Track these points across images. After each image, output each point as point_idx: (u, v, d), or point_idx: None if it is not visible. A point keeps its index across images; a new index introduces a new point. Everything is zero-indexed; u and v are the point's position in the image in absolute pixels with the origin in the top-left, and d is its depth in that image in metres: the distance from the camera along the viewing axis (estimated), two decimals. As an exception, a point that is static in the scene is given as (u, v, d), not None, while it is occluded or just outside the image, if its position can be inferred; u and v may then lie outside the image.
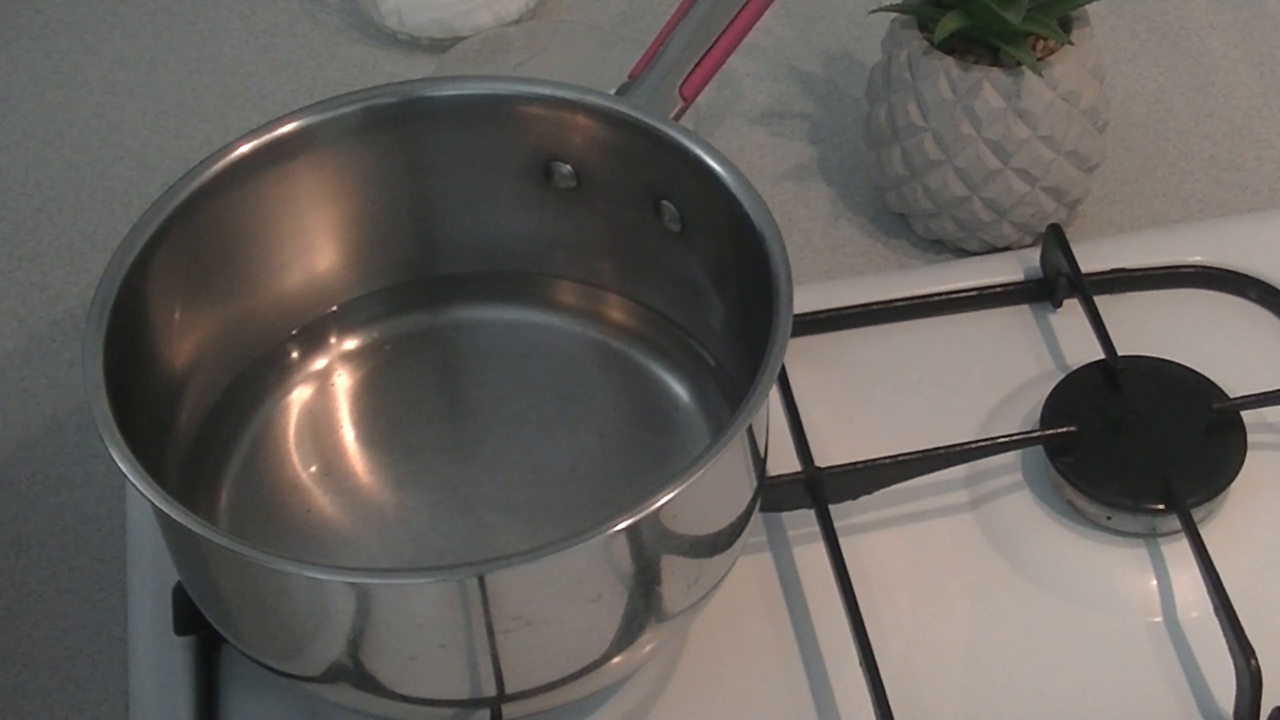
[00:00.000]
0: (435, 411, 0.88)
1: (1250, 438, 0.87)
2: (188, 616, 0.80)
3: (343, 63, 1.11)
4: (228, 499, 0.83)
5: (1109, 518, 0.85)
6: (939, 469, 0.86)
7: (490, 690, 0.74)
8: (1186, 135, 1.04)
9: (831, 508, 0.85)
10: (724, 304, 0.84)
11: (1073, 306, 0.94)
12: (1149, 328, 0.93)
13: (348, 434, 0.87)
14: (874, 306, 0.94)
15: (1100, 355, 0.89)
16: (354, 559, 0.82)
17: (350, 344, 0.89)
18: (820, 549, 0.84)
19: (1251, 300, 0.95)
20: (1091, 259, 0.94)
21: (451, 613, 0.71)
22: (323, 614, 0.72)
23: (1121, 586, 0.85)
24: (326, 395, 0.88)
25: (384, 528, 0.83)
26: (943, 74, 0.93)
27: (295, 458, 0.85)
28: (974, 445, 0.86)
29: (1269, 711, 0.78)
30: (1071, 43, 0.93)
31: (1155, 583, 0.84)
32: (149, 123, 1.08)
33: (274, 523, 0.83)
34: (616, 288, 0.88)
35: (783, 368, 0.77)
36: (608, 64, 1.03)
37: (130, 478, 0.71)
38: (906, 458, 0.86)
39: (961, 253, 0.99)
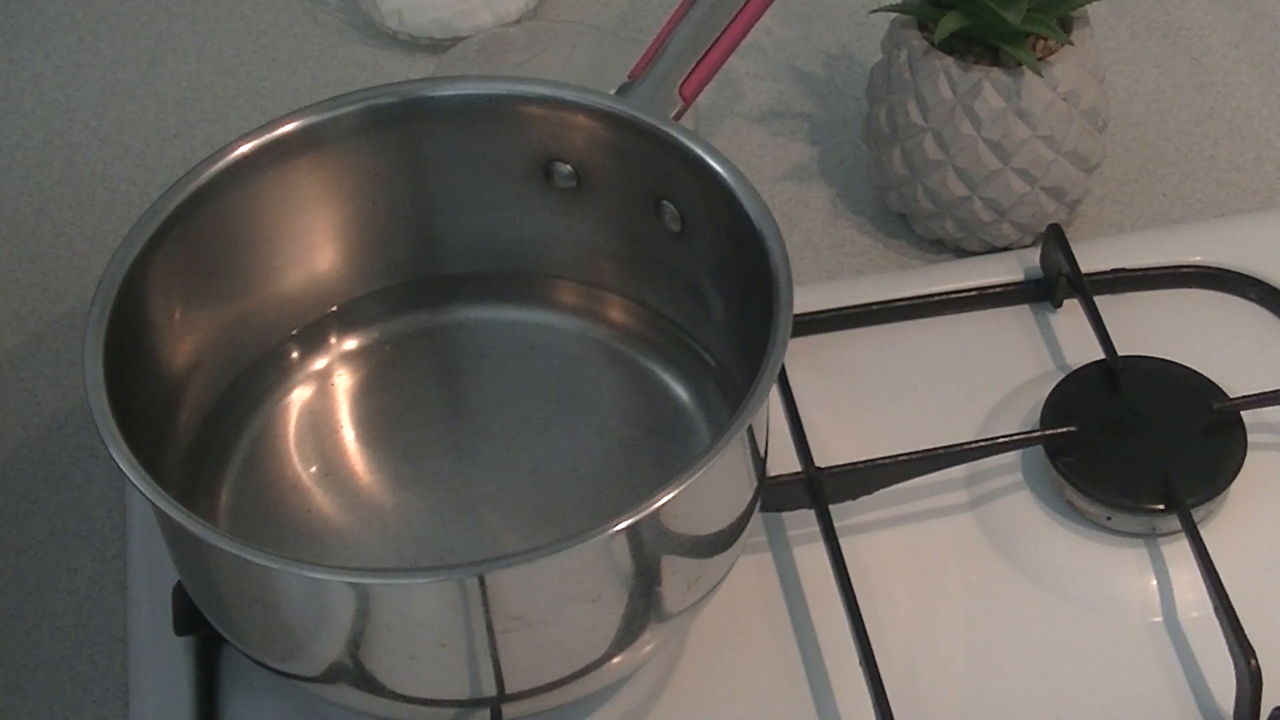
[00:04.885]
0: (435, 411, 0.88)
1: (1250, 438, 0.87)
2: (188, 616, 0.80)
3: (343, 63, 1.11)
4: (228, 499, 0.83)
5: (1109, 518, 0.85)
6: (939, 469, 0.86)
7: (490, 690, 0.74)
8: (1186, 135, 1.04)
9: (831, 508, 0.85)
10: (724, 304, 0.84)
11: (1073, 306, 0.94)
12: (1149, 328, 0.93)
13: (348, 434, 0.87)
14: (874, 306, 0.94)
15: (1100, 355, 0.89)
16: (354, 559, 0.82)
17: (350, 344, 0.89)
18: (820, 549, 0.84)
19: (1251, 300, 0.95)
20: (1091, 259, 0.94)
21: (451, 613, 0.71)
22: (323, 614, 0.72)
23: (1121, 586, 0.85)
24: (326, 395, 0.88)
25: (384, 528, 0.83)
26: (943, 74, 0.93)
27: (295, 458, 0.85)
28: (974, 445, 0.86)
29: (1269, 711, 0.78)
30: (1071, 43, 0.93)
31: (1155, 583, 0.84)
32: (149, 123, 1.08)
33: (274, 523, 0.83)
34: (616, 288, 0.88)
35: (783, 368, 0.77)
36: (608, 64, 1.03)
37: (130, 478, 0.71)
38: (906, 458, 0.86)
39: (961, 253, 0.99)
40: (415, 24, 1.10)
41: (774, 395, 0.87)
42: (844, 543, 0.84)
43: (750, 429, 0.74)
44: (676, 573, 0.74)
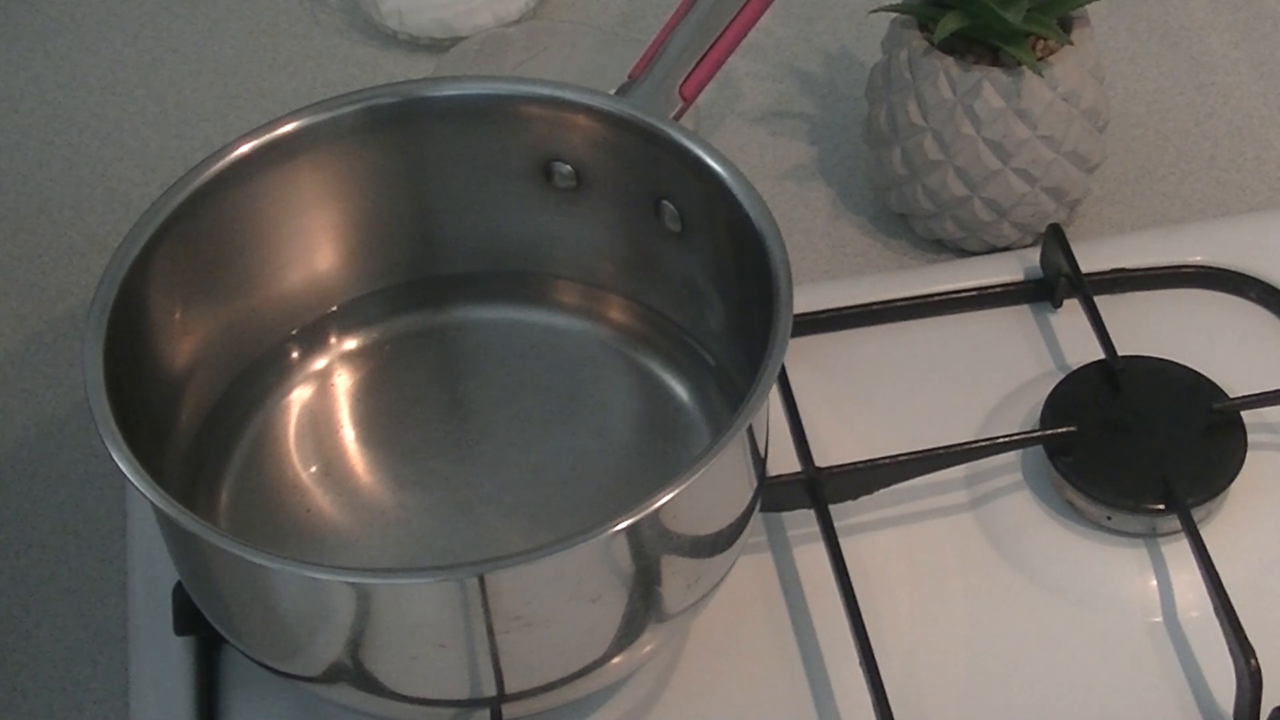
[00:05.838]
0: (435, 411, 0.88)
1: (1250, 438, 0.87)
2: (188, 616, 0.80)
3: (343, 63, 1.11)
4: (228, 499, 0.83)
5: (1109, 518, 0.85)
6: (939, 469, 0.86)
7: (490, 690, 0.74)
8: (1186, 135, 1.04)
9: (831, 508, 0.85)
10: (724, 304, 0.84)
11: (1073, 306, 0.94)
12: (1149, 328, 0.93)
13: (348, 434, 0.87)
14: (874, 306, 0.94)
15: (1100, 355, 0.89)
16: (354, 559, 0.82)
17: (350, 344, 0.89)
18: (820, 549, 0.84)
19: (1251, 300, 0.95)
20: (1091, 259, 0.94)
21: (451, 613, 0.71)
22: (323, 614, 0.72)
23: (1121, 586, 0.85)
24: (326, 395, 0.88)
25: (384, 528, 0.83)
26: (943, 74, 0.93)
27: (295, 458, 0.85)
28: (974, 445, 0.86)
29: (1269, 711, 0.78)
30: (1071, 43, 0.93)
31: (1155, 583, 0.84)
32: (149, 123, 1.08)
33: (274, 523, 0.83)
34: (616, 288, 0.88)
35: (783, 368, 0.77)
36: (608, 64, 1.03)
37: (130, 478, 0.71)
38: (906, 458, 0.86)
39: (961, 253, 0.99)
40: (415, 24, 1.10)
41: (774, 395, 0.87)
42: (844, 543, 0.84)
43: (750, 429, 0.74)
44: (676, 573, 0.74)
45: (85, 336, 0.75)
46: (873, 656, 0.79)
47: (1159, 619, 0.83)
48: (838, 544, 0.83)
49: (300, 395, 0.87)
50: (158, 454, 0.79)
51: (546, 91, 0.84)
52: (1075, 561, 0.85)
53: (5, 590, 0.88)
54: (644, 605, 0.74)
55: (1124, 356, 0.89)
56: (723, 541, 0.76)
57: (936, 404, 0.91)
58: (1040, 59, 0.93)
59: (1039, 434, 0.87)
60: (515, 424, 0.86)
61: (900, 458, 0.86)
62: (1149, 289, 0.95)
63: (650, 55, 0.85)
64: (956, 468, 0.87)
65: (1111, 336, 0.90)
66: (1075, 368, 0.90)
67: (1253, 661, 0.78)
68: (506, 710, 0.74)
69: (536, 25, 1.08)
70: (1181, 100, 1.06)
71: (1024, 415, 0.90)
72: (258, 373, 0.87)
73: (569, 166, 0.85)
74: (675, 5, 0.87)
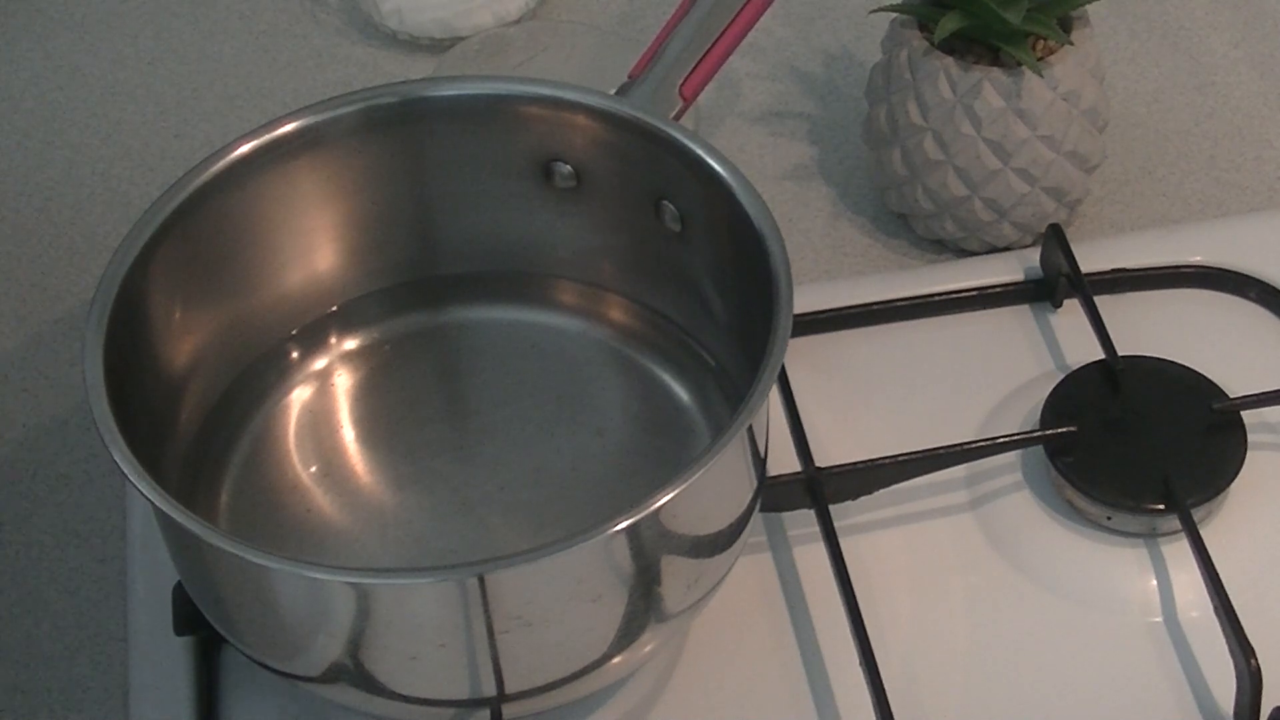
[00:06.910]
0: (435, 411, 0.88)
1: (1250, 438, 0.87)
2: (188, 616, 0.80)
3: (343, 63, 1.11)
4: (228, 499, 0.83)
5: (1109, 518, 0.86)
6: (939, 469, 0.86)
7: (490, 690, 0.74)
8: (1186, 135, 1.04)
9: (831, 508, 0.85)
10: (724, 304, 0.84)
11: (1073, 306, 0.94)
12: (1149, 328, 0.93)
13: (348, 434, 0.87)
14: (874, 306, 0.94)
15: (1100, 355, 0.89)
16: (354, 559, 0.82)
17: (350, 344, 0.89)
18: (820, 549, 0.84)
19: (1251, 300, 0.95)
20: (1091, 259, 0.94)
21: (451, 613, 0.71)
22: (323, 614, 0.72)
23: (1121, 586, 0.85)
24: (326, 395, 0.88)
25: (384, 528, 0.84)
26: (943, 74, 0.93)
27: (295, 458, 0.85)
28: (974, 445, 0.86)
29: (1269, 711, 0.78)
30: (1071, 43, 0.93)
31: (1155, 583, 0.84)
32: (149, 123, 1.08)
33: (274, 523, 0.83)
34: (617, 288, 0.88)
35: (783, 368, 0.77)
36: (608, 64, 1.03)
37: (130, 478, 0.71)
38: (906, 458, 0.86)
39: (962, 253, 0.99)
40: (415, 24, 1.10)
41: (774, 395, 0.87)
42: (844, 543, 0.84)
43: (750, 429, 0.74)
44: (676, 573, 0.74)
45: (85, 336, 0.75)
46: (873, 656, 0.79)
47: (1159, 619, 0.83)
48: (838, 544, 0.83)
49: (300, 395, 0.87)
50: (158, 454, 0.79)
51: (546, 91, 0.84)
52: (1075, 561, 0.85)
53: (5, 590, 0.88)
54: (644, 605, 0.74)
55: (1124, 356, 0.89)
56: (723, 541, 0.76)
57: (936, 404, 0.91)
58: (1040, 59, 0.93)
59: (1039, 434, 0.87)
60: (515, 424, 0.86)
61: (900, 458, 0.86)
62: (1149, 289, 0.95)
63: (650, 55, 0.85)
64: (956, 468, 0.87)
65: (1111, 336, 0.90)
66: (1075, 368, 0.90)
67: (1253, 661, 0.78)
68: (506, 710, 0.74)
69: (536, 25, 1.08)
70: (1181, 100, 1.06)
71: (1024, 415, 0.90)
72: (258, 373, 0.87)
73: (569, 166, 0.85)
74: (675, 5, 0.87)
